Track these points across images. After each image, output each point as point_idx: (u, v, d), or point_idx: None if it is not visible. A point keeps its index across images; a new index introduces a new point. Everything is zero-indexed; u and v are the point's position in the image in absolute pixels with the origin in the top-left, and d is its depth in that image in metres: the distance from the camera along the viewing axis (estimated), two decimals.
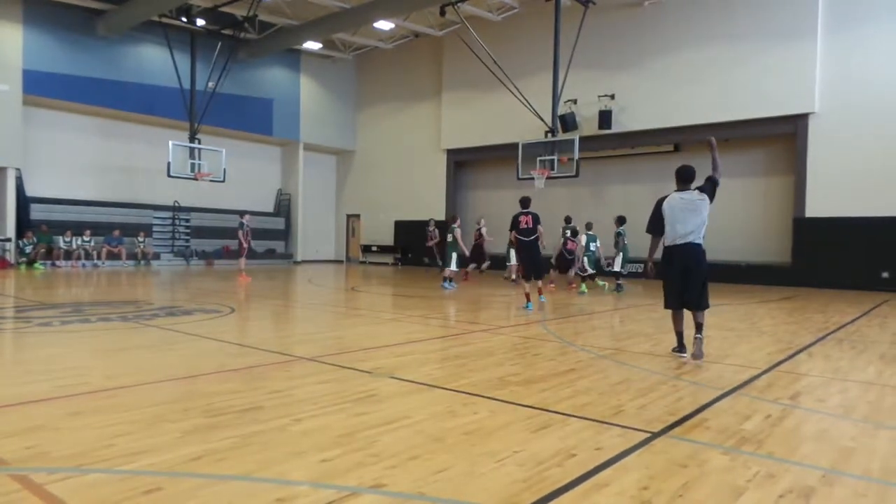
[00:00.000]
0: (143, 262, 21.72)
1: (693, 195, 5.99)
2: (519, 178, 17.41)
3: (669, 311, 6.20)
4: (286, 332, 8.09)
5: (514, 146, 17.68)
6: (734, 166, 19.34)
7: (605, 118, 19.66)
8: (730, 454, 3.34)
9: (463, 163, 25.26)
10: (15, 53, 19.09)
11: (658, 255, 6.30)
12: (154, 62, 21.87)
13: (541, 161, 16.67)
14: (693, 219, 5.90)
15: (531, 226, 10.11)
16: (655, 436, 3.62)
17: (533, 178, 16.73)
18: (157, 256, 22.65)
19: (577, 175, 16.22)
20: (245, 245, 15.96)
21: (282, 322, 9.15)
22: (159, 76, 21.73)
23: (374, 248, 27.43)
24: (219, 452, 3.19)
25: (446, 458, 3.17)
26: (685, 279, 5.94)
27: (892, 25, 15.73)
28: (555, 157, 16.49)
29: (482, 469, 3.04)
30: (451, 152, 24.89)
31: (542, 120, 16.87)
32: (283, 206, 27.20)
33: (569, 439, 3.53)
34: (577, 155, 16.09)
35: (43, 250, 19.47)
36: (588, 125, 20.20)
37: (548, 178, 16.64)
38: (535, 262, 10.26)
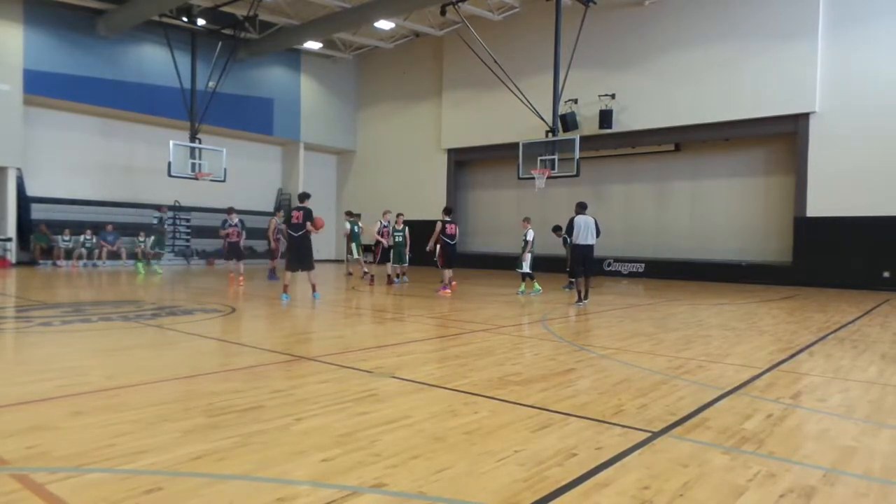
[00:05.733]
0: (143, 261, 21.66)
1: (589, 218, 11.21)
2: (520, 178, 17.38)
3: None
4: (287, 331, 8.08)
5: (514, 146, 17.64)
6: (735, 166, 19.35)
7: (605, 118, 19.65)
8: (731, 454, 3.34)
9: (463, 162, 25.25)
10: (16, 53, 19.10)
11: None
12: (154, 62, 21.87)
13: (541, 160, 16.66)
14: (591, 231, 11.11)
15: (301, 221, 10.92)
16: (656, 435, 3.62)
17: (534, 178, 16.72)
18: (157, 256, 22.59)
19: (577, 175, 16.22)
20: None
21: (282, 321, 9.14)
22: (160, 76, 21.73)
23: (374, 248, 27.36)
24: (220, 452, 3.19)
25: (447, 458, 3.17)
26: (584, 263, 11.20)
27: (893, 24, 15.71)
28: (555, 157, 16.48)
29: (483, 468, 3.04)
30: (451, 152, 24.87)
31: (542, 119, 16.84)
32: (284, 206, 27.17)
33: (569, 439, 3.53)
34: (577, 154, 16.08)
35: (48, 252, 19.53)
36: (589, 125, 20.19)
37: (549, 177, 16.62)
38: (301, 255, 11.15)
